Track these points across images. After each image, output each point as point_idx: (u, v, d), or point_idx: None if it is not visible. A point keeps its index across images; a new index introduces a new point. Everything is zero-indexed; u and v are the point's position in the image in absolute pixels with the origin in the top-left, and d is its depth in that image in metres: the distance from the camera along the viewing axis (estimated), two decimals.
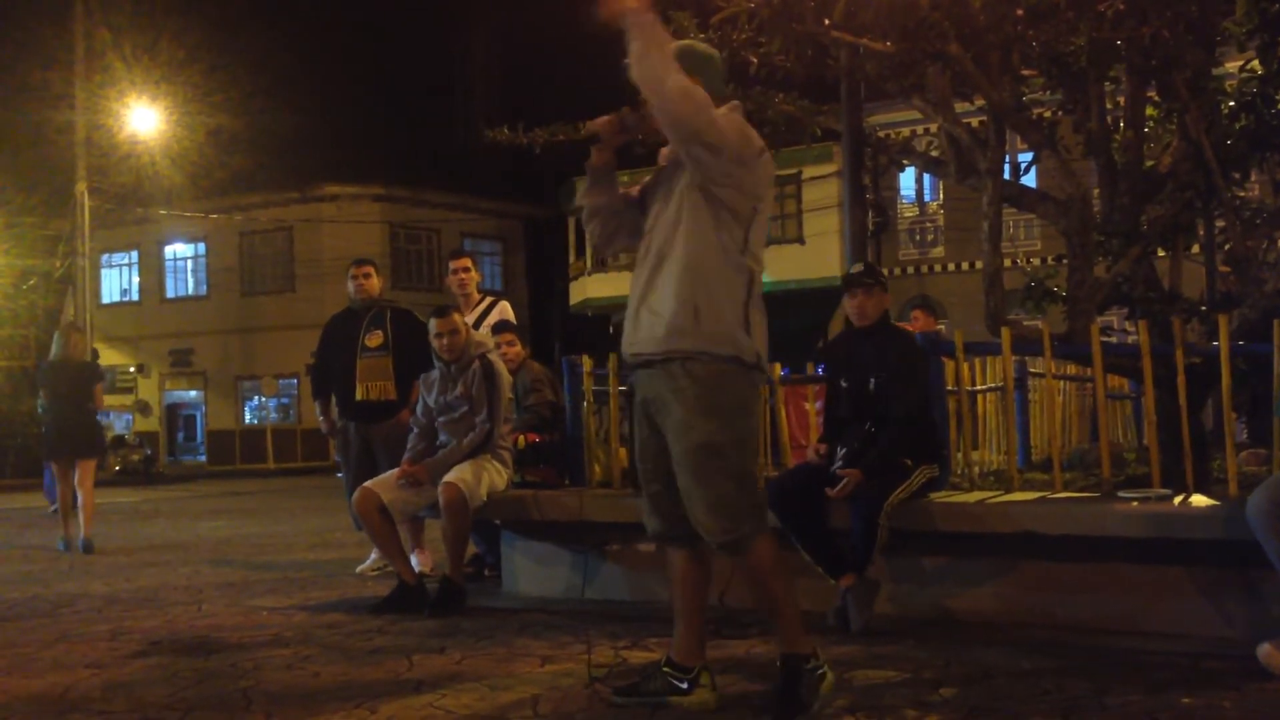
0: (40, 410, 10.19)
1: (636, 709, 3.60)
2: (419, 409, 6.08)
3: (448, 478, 5.59)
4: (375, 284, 7.15)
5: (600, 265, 32.70)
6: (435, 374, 5.96)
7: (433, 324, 5.89)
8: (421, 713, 3.64)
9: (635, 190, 3.75)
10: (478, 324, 6.93)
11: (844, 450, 4.82)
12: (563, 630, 4.90)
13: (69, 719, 3.68)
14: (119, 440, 27.41)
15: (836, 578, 4.63)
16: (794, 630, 3.48)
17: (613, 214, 3.72)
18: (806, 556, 4.66)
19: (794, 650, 3.46)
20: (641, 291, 3.54)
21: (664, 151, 3.69)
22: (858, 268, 5.21)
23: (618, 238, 3.76)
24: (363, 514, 5.73)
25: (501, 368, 6.05)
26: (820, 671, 3.45)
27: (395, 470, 5.91)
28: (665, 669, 3.66)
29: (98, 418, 9.93)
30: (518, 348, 6.71)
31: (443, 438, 5.92)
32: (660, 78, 3.34)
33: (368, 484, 5.83)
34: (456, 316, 5.95)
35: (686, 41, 3.78)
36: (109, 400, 23.20)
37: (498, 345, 6.60)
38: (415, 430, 6.04)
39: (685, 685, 3.61)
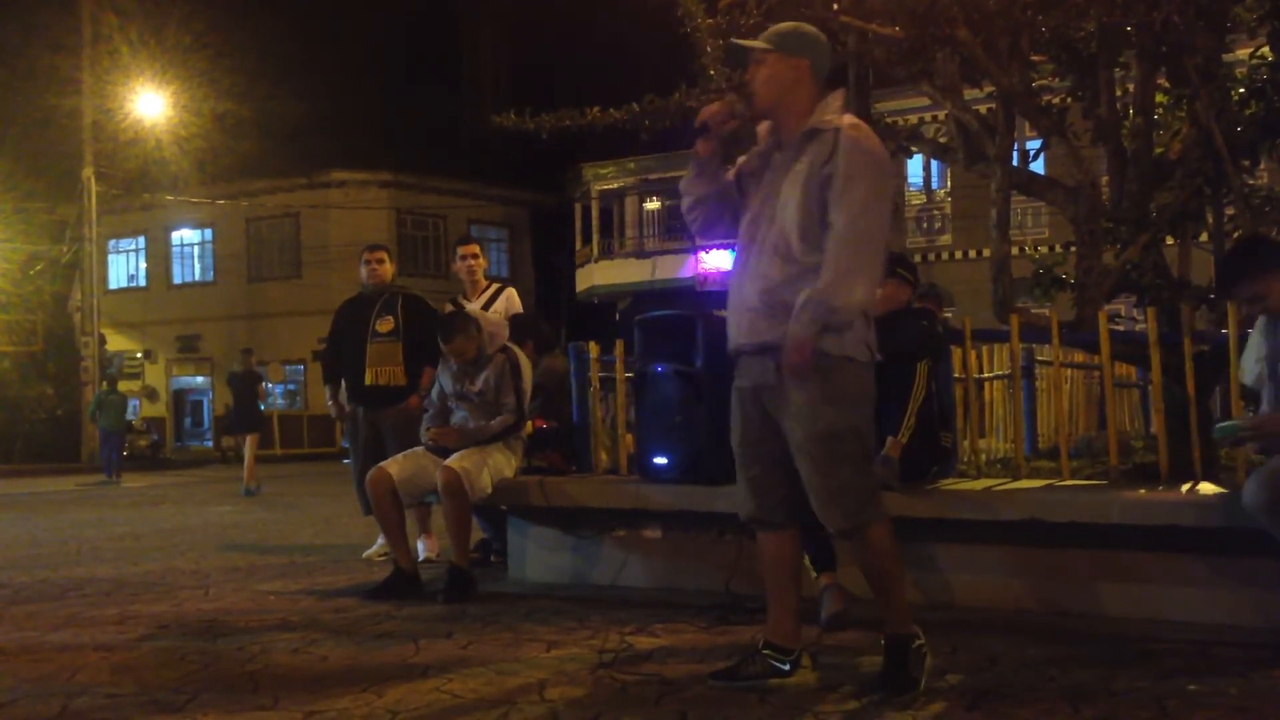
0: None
1: (651, 693, 3.61)
2: (434, 391, 6.07)
3: (448, 461, 5.59)
4: (388, 269, 7.15)
5: (607, 253, 32.72)
6: (452, 362, 5.96)
7: (443, 346, 5.89)
8: (428, 697, 3.64)
9: (732, 174, 3.74)
10: (485, 309, 6.93)
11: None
12: (569, 616, 4.90)
13: (77, 701, 3.69)
14: (127, 425, 27.54)
15: (819, 572, 4.61)
16: (902, 612, 3.55)
17: (715, 204, 3.72)
18: None
19: (902, 630, 3.53)
20: (758, 281, 3.53)
21: (762, 129, 3.69)
22: None
23: (719, 226, 3.77)
24: (376, 496, 5.73)
25: (524, 361, 6.07)
26: (924, 650, 3.53)
27: (409, 451, 5.91)
28: (765, 651, 3.67)
29: (259, 406, 15.72)
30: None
31: (461, 414, 5.92)
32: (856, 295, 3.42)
33: (382, 464, 5.83)
34: (460, 340, 5.86)
35: (789, 25, 3.71)
36: (120, 386, 23.69)
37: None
38: (430, 411, 6.04)
39: (787, 667, 3.65)
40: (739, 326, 3.61)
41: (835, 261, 3.38)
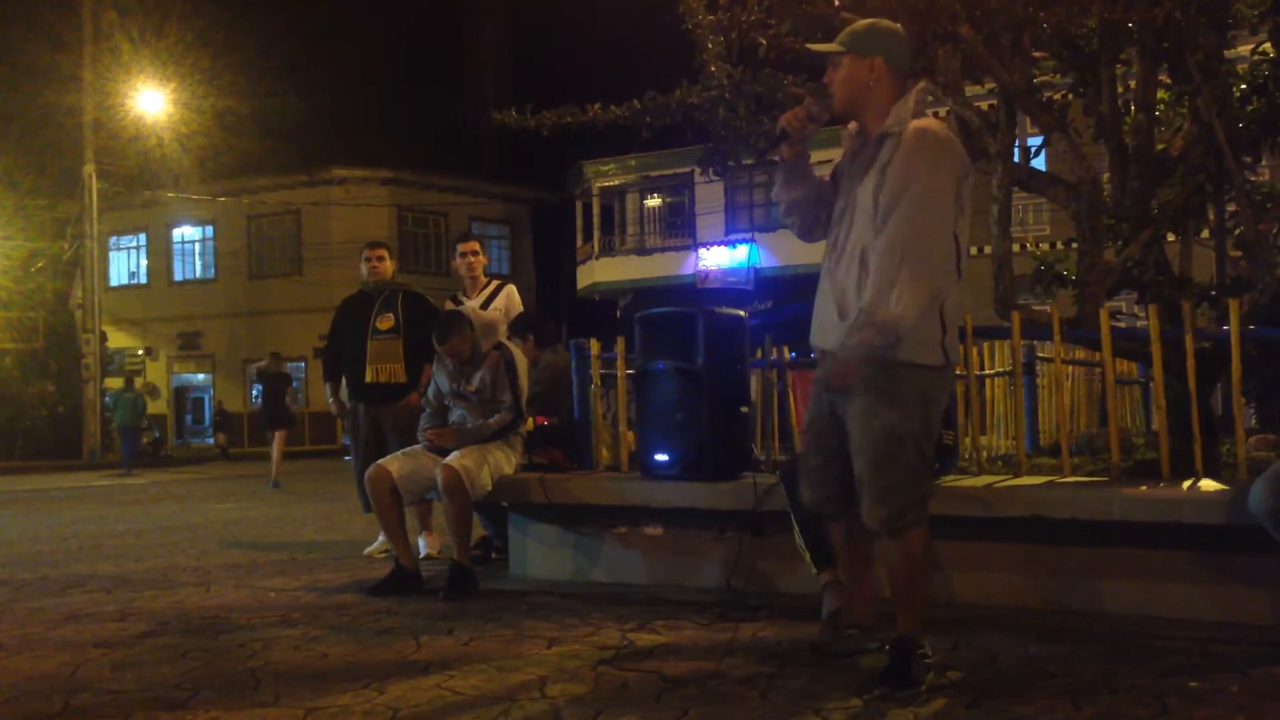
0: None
1: (652, 689, 3.61)
2: (431, 391, 6.08)
3: (449, 459, 5.59)
4: (388, 267, 7.16)
5: (608, 250, 32.71)
6: (448, 362, 5.96)
7: (438, 347, 5.89)
8: (429, 693, 3.65)
9: (829, 174, 3.77)
10: (484, 306, 6.93)
11: None
12: (570, 613, 4.91)
13: (78, 699, 3.69)
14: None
15: (820, 569, 4.58)
16: (916, 618, 3.59)
17: (811, 205, 3.76)
18: (799, 540, 4.55)
19: (910, 634, 3.56)
20: (837, 289, 3.57)
21: (850, 127, 3.70)
22: None
23: (818, 226, 3.80)
24: (375, 492, 5.73)
25: (519, 356, 6.07)
26: (929, 662, 3.56)
27: (409, 448, 5.92)
28: (850, 633, 3.83)
29: (286, 404, 16.35)
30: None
31: (459, 413, 5.91)
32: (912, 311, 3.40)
33: (381, 461, 5.83)
34: (455, 340, 5.86)
35: (863, 23, 3.68)
36: (114, 383, 23.77)
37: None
38: (427, 410, 6.05)
39: (874, 645, 3.80)
40: (817, 328, 3.67)
41: (877, 273, 3.38)
